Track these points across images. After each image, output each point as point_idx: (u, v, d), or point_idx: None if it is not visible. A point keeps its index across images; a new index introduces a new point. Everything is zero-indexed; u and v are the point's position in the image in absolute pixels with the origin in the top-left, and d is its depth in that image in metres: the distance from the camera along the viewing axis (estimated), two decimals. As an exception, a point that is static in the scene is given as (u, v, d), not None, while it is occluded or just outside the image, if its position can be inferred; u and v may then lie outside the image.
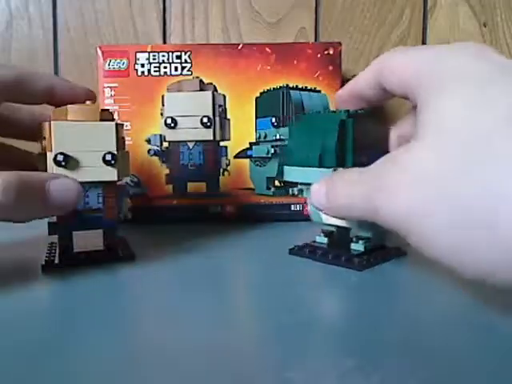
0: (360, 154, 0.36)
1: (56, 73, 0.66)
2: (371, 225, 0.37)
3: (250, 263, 0.41)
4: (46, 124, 0.36)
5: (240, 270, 0.40)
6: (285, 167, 0.39)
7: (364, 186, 0.28)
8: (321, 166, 0.36)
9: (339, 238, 0.41)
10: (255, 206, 0.58)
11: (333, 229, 0.41)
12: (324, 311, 0.30)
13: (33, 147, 0.44)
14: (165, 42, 0.66)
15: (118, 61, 0.55)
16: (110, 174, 0.37)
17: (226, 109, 0.56)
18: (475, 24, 0.68)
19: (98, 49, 0.55)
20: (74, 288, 0.33)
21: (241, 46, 0.56)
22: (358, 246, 0.38)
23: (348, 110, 0.36)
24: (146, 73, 0.55)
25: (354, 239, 0.39)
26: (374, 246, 0.39)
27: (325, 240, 0.41)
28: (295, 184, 0.40)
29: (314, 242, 0.42)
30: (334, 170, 0.35)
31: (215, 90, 0.56)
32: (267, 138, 0.57)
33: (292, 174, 0.39)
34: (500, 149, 0.21)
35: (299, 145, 0.38)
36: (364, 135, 0.36)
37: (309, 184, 0.37)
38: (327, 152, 0.36)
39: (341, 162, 0.36)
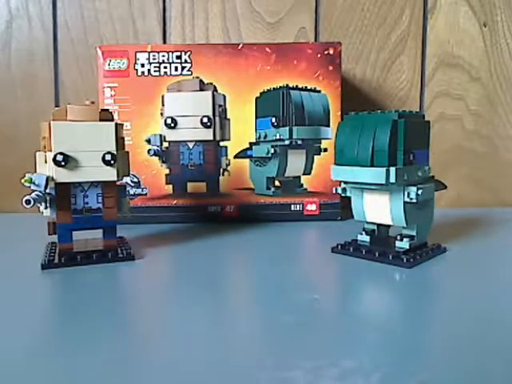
0: (409, 152, 0.37)
1: (56, 73, 0.66)
2: (418, 220, 0.37)
3: (252, 263, 0.41)
4: (46, 124, 0.36)
5: (240, 270, 0.40)
6: (333, 166, 0.39)
7: None
8: (372, 165, 0.36)
9: (380, 236, 0.42)
10: (255, 206, 0.58)
11: (374, 227, 0.42)
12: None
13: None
14: (165, 42, 0.66)
15: (118, 61, 0.55)
16: (110, 174, 0.37)
17: (225, 109, 0.56)
18: (475, 24, 0.68)
19: (98, 49, 0.55)
20: (73, 287, 0.33)
21: (241, 45, 0.56)
22: (403, 244, 0.39)
23: (398, 111, 0.37)
24: (146, 73, 0.55)
25: (399, 237, 0.39)
26: (417, 244, 0.40)
27: (367, 238, 0.41)
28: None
29: (356, 240, 0.42)
30: (387, 170, 0.36)
31: (215, 90, 0.56)
32: (267, 138, 0.57)
33: (341, 173, 0.39)
34: None
35: (349, 145, 0.38)
36: (412, 134, 0.37)
37: (358, 183, 0.38)
38: (379, 152, 0.36)
39: (392, 162, 0.36)
